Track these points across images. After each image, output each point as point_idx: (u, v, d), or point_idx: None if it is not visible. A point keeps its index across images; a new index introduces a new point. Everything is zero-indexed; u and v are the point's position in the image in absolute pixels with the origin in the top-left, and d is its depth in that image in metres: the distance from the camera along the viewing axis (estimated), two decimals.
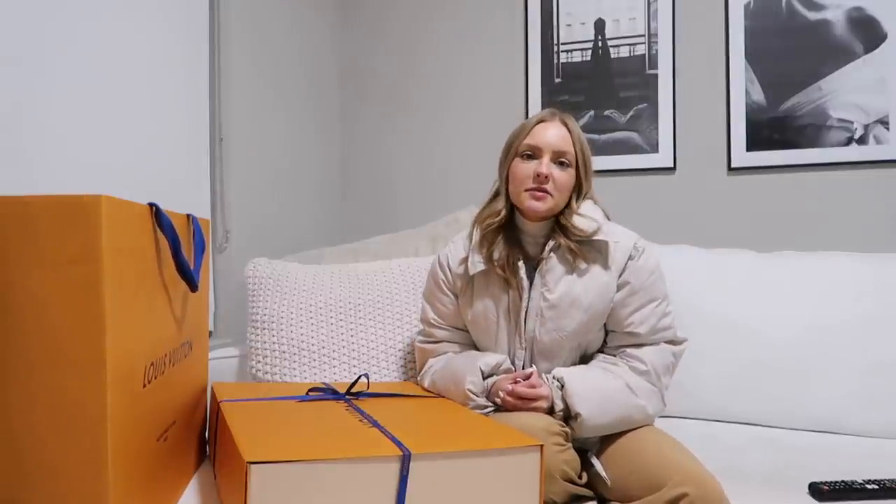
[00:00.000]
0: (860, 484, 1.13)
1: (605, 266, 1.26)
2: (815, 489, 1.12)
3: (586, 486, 1.11)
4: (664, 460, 1.06)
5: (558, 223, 1.28)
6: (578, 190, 1.29)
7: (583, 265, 1.25)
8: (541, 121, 1.30)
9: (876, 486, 1.12)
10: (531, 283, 1.27)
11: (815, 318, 1.59)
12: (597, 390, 1.17)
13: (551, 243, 1.26)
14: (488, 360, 1.24)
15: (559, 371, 1.20)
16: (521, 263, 1.27)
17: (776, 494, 1.14)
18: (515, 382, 1.18)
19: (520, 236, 1.32)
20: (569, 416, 1.16)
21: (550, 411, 1.17)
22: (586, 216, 1.28)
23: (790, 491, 1.15)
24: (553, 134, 1.27)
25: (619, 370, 1.23)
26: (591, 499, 1.11)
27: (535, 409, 1.15)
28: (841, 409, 1.51)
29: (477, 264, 1.29)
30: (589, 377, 1.20)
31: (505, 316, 1.28)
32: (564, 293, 1.24)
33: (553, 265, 1.26)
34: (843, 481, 1.13)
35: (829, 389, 1.53)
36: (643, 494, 1.04)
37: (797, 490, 1.15)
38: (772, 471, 1.26)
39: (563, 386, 1.17)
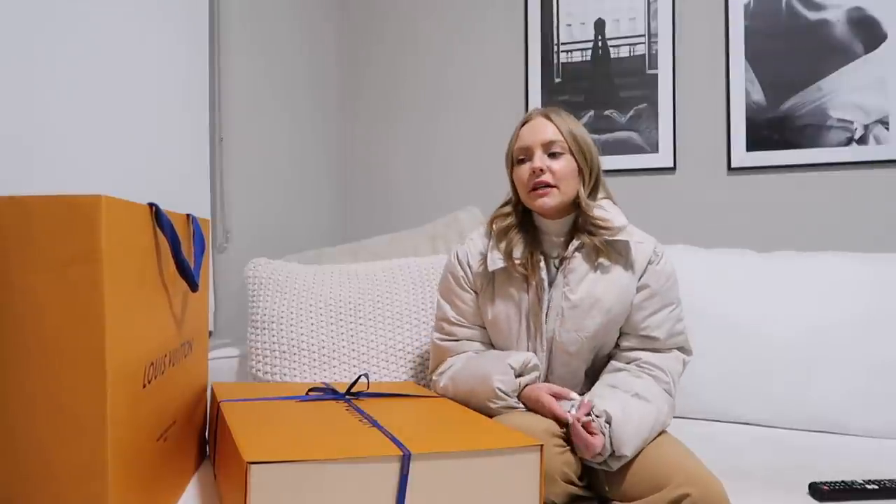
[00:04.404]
0: (860, 484, 1.13)
1: (626, 268, 1.25)
2: (815, 489, 1.12)
3: (587, 487, 1.11)
4: (666, 461, 1.06)
5: (578, 220, 1.28)
6: (585, 178, 1.28)
7: (605, 265, 1.24)
8: (525, 122, 1.32)
9: (876, 487, 1.12)
10: (552, 283, 1.27)
11: (816, 318, 1.59)
12: (637, 424, 1.10)
13: (576, 242, 1.26)
14: (518, 357, 1.20)
15: (604, 406, 1.10)
16: (542, 264, 1.27)
17: (776, 494, 1.14)
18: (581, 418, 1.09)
19: (539, 236, 1.31)
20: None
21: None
22: (608, 209, 1.28)
23: (790, 491, 1.15)
24: (537, 130, 1.28)
25: (649, 389, 1.18)
26: (591, 500, 1.11)
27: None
28: (842, 409, 1.51)
29: (497, 261, 1.28)
30: (630, 412, 1.11)
31: (525, 316, 1.27)
32: (587, 294, 1.23)
33: (577, 265, 1.25)
34: (843, 481, 1.13)
35: (829, 390, 1.53)
36: (645, 495, 1.04)
37: (797, 490, 1.15)
38: (772, 471, 1.26)
39: (609, 425, 1.08)
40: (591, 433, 1.06)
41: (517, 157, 1.30)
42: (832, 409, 1.52)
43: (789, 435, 1.50)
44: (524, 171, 1.27)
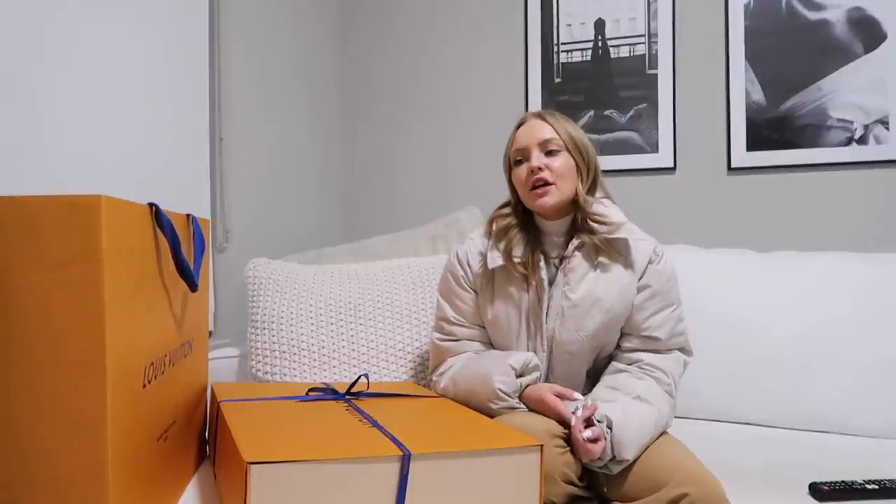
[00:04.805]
0: (860, 484, 1.13)
1: (626, 267, 1.25)
2: (815, 489, 1.12)
3: (587, 487, 1.11)
4: (665, 460, 1.06)
5: (577, 219, 1.28)
6: (583, 175, 1.28)
7: (605, 264, 1.24)
8: (520, 124, 1.33)
9: (876, 486, 1.12)
10: (552, 282, 1.27)
11: (815, 318, 1.59)
12: (638, 427, 1.09)
13: (576, 241, 1.26)
14: (518, 358, 1.20)
15: (605, 410, 1.10)
16: (542, 263, 1.27)
17: (776, 494, 1.14)
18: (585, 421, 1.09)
19: (540, 237, 1.31)
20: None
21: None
22: (608, 206, 1.29)
23: (790, 491, 1.15)
24: (533, 131, 1.29)
25: (651, 391, 1.18)
26: (591, 500, 1.11)
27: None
28: (841, 408, 1.51)
29: (496, 259, 1.28)
30: (631, 415, 1.11)
31: (525, 316, 1.27)
32: (587, 293, 1.23)
33: (577, 264, 1.25)
34: (843, 481, 1.13)
35: (829, 389, 1.53)
36: (644, 494, 1.04)
37: (797, 490, 1.15)
38: (772, 471, 1.26)
39: (610, 429, 1.07)
40: (593, 441, 1.05)
41: (514, 159, 1.31)
42: (832, 409, 1.52)
43: (789, 435, 1.50)
44: (522, 171, 1.28)
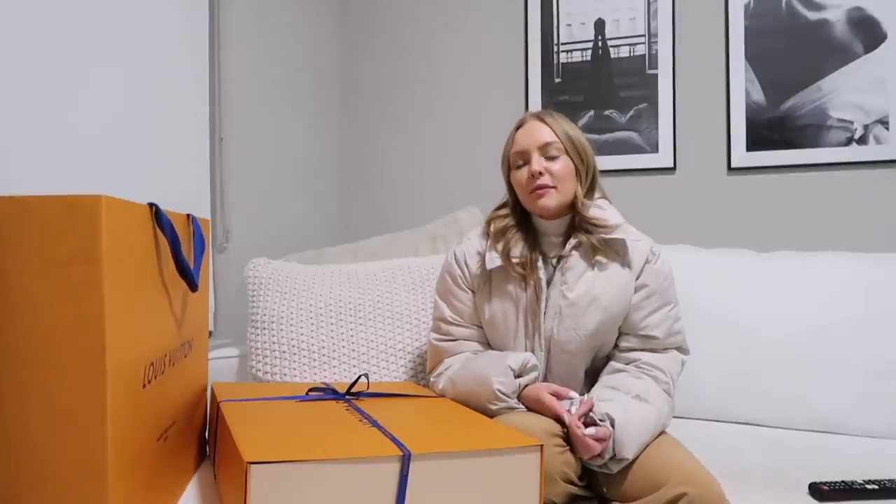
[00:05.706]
0: (860, 484, 1.13)
1: (624, 266, 1.26)
2: (815, 489, 1.12)
3: (587, 486, 1.11)
4: (664, 460, 1.06)
5: (575, 220, 1.28)
6: (582, 178, 1.29)
7: (603, 263, 1.25)
8: (519, 126, 1.33)
9: (876, 487, 1.12)
10: (550, 282, 1.27)
11: (815, 318, 1.59)
12: (639, 426, 1.10)
13: (573, 241, 1.26)
14: (516, 358, 1.20)
15: (606, 409, 1.10)
16: (540, 263, 1.27)
17: (776, 494, 1.14)
18: (582, 417, 1.09)
19: (538, 237, 1.31)
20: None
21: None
22: (604, 208, 1.29)
23: (790, 491, 1.15)
24: (533, 133, 1.28)
25: (650, 390, 1.18)
26: (591, 499, 1.11)
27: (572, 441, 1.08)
28: (841, 409, 1.51)
29: (494, 259, 1.28)
30: (632, 414, 1.11)
31: (523, 315, 1.27)
32: (584, 292, 1.24)
33: (574, 263, 1.25)
34: (843, 481, 1.13)
35: (829, 389, 1.53)
36: (643, 494, 1.04)
37: (797, 490, 1.15)
38: (772, 471, 1.26)
39: (612, 427, 1.07)
40: (598, 440, 1.05)
41: (514, 162, 1.30)
42: (832, 409, 1.52)
43: (789, 435, 1.50)
44: (522, 174, 1.28)
